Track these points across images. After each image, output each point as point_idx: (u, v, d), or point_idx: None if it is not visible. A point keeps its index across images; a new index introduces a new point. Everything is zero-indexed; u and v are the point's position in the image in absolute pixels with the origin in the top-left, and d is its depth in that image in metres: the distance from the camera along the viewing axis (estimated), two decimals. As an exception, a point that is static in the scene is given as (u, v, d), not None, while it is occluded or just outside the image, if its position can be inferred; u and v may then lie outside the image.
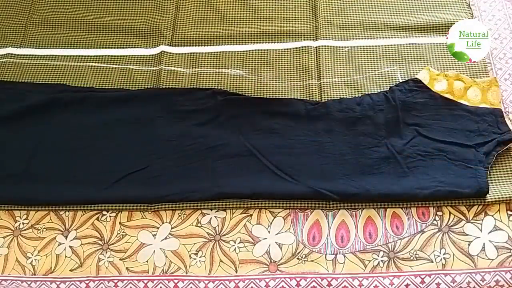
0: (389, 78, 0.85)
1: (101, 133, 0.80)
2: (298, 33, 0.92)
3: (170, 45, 0.93)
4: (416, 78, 0.82)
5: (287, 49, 0.90)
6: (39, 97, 0.83)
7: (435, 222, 0.71)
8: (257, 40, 0.92)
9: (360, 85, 0.85)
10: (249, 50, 0.91)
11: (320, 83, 0.85)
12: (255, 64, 0.89)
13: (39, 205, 0.75)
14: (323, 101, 0.82)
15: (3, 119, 0.82)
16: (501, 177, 0.74)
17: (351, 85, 0.85)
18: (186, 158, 0.77)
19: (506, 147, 0.75)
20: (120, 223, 0.74)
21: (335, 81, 0.85)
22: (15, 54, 0.93)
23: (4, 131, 0.81)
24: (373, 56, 0.88)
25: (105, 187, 0.75)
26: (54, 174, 0.77)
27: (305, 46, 0.90)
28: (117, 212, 0.75)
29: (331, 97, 0.83)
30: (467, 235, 0.70)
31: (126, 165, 0.77)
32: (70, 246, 0.73)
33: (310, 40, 0.91)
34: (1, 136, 0.81)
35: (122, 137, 0.80)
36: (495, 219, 0.71)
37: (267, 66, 0.89)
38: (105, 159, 0.78)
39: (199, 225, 0.73)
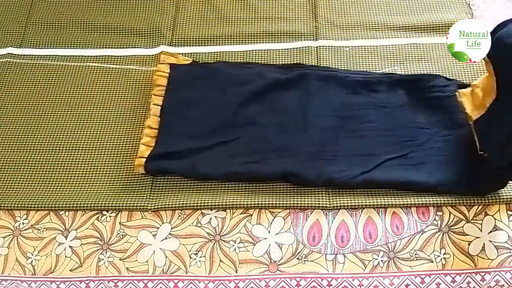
0: (389, 78, 0.85)
1: (356, 115, 0.80)
2: (298, 33, 0.92)
3: (170, 45, 0.93)
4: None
5: (287, 49, 0.90)
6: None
7: (435, 222, 0.71)
8: (257, 40, 0.92)
9: (360, 85, 0.85)
10: (249, 50, 0.91)
11: (320, 83, 0.85)
12: (255, 64, 0.89)
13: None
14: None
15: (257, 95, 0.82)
16: (501, 177, 0.73)
17: (351, 85, 0.85)
18: (447, 146, 0.75)
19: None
20: (120, 223, 0.74)
21: (335, 81, 0.85)
22: (15, 54, 0.93)
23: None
24: (373, 56, 0.88)
25: (365, 170, 0.73)
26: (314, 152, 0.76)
27: (305, 46, 0.90)
28: (117, 212, 0.75)
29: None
30: (467, 235, 0.70)
31: (384, 150, 0.75)
32: (70, 246, 0.73)
33: (311, 40, 0.91)
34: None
35: (378, 121, 0.79)
36: (495, 219, 0.71)
37: (267, 66, 0.89)
38: (366, 143, 0.77)
39: (199, 225, 0.73)
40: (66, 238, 0.74)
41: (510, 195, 0.71)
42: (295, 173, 0.73)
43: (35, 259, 0.72)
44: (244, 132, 0.79)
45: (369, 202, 0.73)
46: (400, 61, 0.87)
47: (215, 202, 0.74)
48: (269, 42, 0.92)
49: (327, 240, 0.71)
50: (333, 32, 0.92)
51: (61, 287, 0.71)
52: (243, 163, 0.76)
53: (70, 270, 0.71)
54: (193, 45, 0.93)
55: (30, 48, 0.94)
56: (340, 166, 0.74)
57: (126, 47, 0.93)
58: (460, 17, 0.91)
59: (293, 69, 0.86)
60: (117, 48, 0.93)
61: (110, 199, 0.75)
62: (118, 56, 0.92)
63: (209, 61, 0.89)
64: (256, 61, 0.89)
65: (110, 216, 0.75)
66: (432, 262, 0.69)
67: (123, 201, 0.75)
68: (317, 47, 0.90)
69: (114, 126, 0.84)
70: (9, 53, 0.93)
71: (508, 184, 0.72)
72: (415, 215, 0.72)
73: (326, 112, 0.80)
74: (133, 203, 0.75)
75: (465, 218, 0.71)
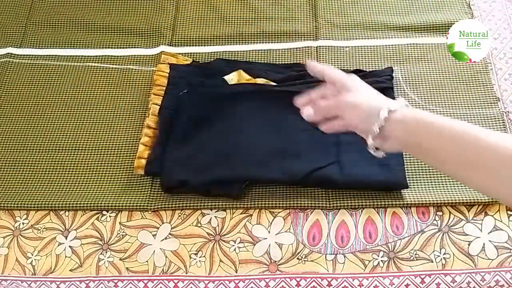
0: (389, 78, 0.85)
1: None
2: (298, 33, 0.92)
3: (170, 45, 0.93)
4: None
5: (287, 49, 0.90)
6: None
7: (435, 222, 0.71)
8: (257, 40, 0.92)
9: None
10: (249, 50, 0.91)
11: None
12: (255, 64, 0.89)
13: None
14: None
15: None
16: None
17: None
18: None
19: None
20: (120, 223, 0.74)
21: (335, 81, 0.85)
22: (15, 54, 0.93)
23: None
24: (373, 56, 0.88)
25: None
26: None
27: (305, 46, 0.90)
28: (117, 212, 0.75)
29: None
30: (467, 235, 0.70)
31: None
32: (70, 246, 0.73)
33: (311, 40, 0.91)
34: None
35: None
36: (495, 219, 0.71)
37: (267, 66, 0.89)
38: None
39: (199, 225, 0.73)
40: (66, 238, 0.74)
41: (510, 195, 0.71)
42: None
43: (35, 259, 0.72)
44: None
45: (369, 202, 0.73)
46: (400, 61, 0.87)
47: (215, 202, 0.74)
48: (269, 42, 0.92)
49: (327, 240, 0.71)
50: (333, 32, 0.92)
51: (61, 287, 0.71)
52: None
53: (70, 270, 0.71)
54: (193, 45, 0.93)
55: (30, 48, 0.94)
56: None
57: (126, 47, 0.93)
58: (460, 17, 0.91)
59: (292, 68, 0.86)
60: (117, 48, 0.93)
61: (110, 199, 0.75)
62: (118, 56, 0.92)
63: (209, 61, 0.89)
64: (256, 61, 0.89)
65: (110, 216, 0.75)
66: (432, 262, 0.69)
67: (123, 201, 0.75)
68: (317, 47, 0.90)
69: (114, 126, 0.84)
70: (9, 53, 0.93)
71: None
72: (415, 215, 0.72)
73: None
74: (133, 203, 0.75)
75: (465, 218, 0.71)
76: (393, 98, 0.79)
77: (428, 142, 0.50)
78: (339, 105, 0.56)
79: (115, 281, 0.70)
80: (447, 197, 0.72)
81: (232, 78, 0.84)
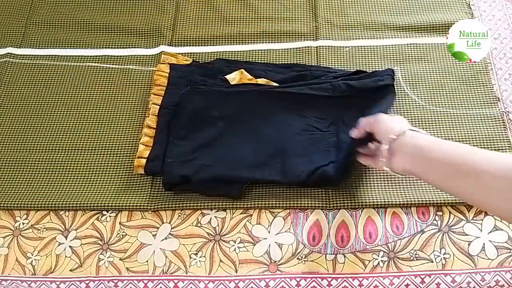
0: (389, 78, 0.85)
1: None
2: (298, 33, 0.92)
3: (170, 45, 0.93)
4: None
5: (287, 49, 0.90)
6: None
7: (435, 222, 0.71)
8: (257, 40, 0.92)
9: (360, 85, 0.84)
10: (249, 50, 0.91)
11: (320, 83, 0.85)
12: (255, 64, 0.89)
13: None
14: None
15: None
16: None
17: (351, 85, 0.85)
18: None
19: None
20: (120, 223, 0.74)
21: (335, 81, 0.85)
22: (15, 54, 0.93)
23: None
24: (373, 56, 0.88)
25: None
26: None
27: (305, 46, 0.90)
28: (117, 212, 0.75)
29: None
30: (467, 235, 0.70)
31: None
32: (70, 246, 0.73)
33: (311, 40, 0.91)
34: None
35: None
36: (495, 219, 0.71)
37: (267, 66, 0.89)
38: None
39: (199, 225, 0.73)
40: (66, 238, 0.74)
41: (510, 195, 0.71)
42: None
43: (35, 259, 0.72)
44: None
45: (369, 202, 0.73)
46: (400, 61, 0.87)
47: (215, 202, 0.74)
48: (269, 42, 0.92)
49: (327, 240, 0.71)
50: (333, 32, 0.92)
51: (61, 287, 0.71)
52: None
53: (70, 270, 0.71)
54: (193, 45, 0.93)
55: (30, 48, 0.94)
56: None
57: (126, 47, 0.93)
58: (460, 17, 0.91)
59: (292, 68, 0.86)
60: (117, 48, 0.93)
61: (110, 199, 0.76)
62: (118, 56, 0.92)
63: (209, 61, 0.89)
64: (256, 61, 0.89)
65: (110, 216, 0.75)
66: (432, 262, 0.69)
67: (123, 201, 0.75)
68: (317, 47, 0.90)
69: (114, 126, 0.84)
70: (9, 53, 0.93)
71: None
72: (415, 215, 0.72)
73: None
74: (133, 203, 0.75)
75: (465, 218, 0.71)
76: (394, 93, 0.80)
77: (436, 154, 0.56)
78: (373, 121, 0.66)
79: (115, 281, 0.70)
80: (447, 197, 0.72)
81: (233, 77, 0.84)
